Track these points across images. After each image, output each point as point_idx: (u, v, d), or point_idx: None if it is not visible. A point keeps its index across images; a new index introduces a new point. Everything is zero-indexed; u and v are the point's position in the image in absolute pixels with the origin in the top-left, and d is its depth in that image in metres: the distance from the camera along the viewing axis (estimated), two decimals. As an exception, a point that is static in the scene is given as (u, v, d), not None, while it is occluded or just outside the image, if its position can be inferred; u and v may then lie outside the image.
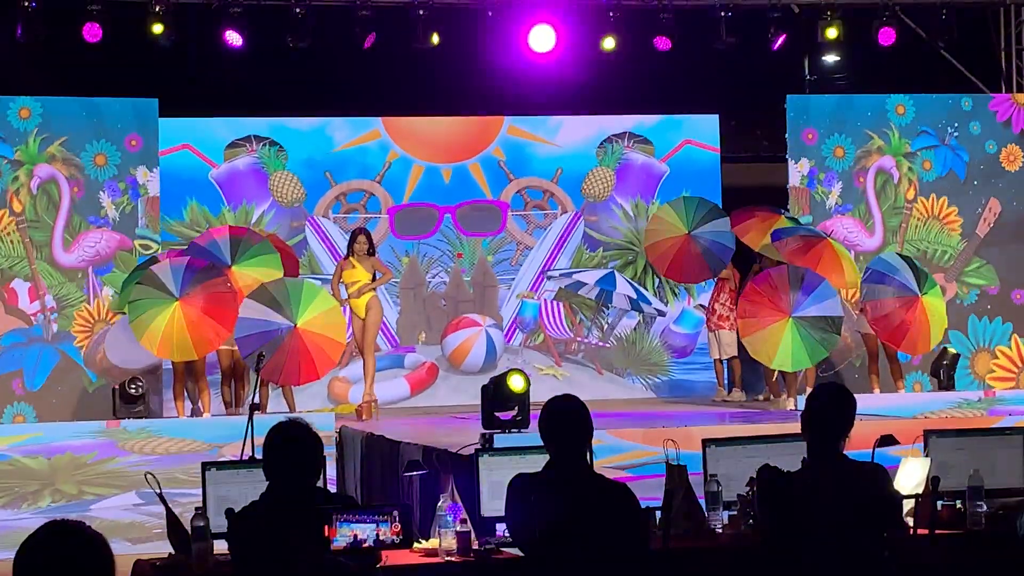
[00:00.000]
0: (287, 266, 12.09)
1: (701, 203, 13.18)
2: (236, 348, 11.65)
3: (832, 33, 13.59)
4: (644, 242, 13.74)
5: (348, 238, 12.45)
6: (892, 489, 5.72)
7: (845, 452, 5.70)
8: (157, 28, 12.59)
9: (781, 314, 11.60)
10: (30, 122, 12.73)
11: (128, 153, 13.01)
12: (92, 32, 12.50)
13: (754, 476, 5.94)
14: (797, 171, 13.90)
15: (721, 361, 13.42)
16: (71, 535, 3.18)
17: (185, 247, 12.59)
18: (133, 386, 11.84)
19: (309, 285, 11.58)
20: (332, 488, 9.32)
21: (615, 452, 9.04)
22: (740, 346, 13.15)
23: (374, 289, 12.20)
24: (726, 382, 13.48)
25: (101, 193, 12.88)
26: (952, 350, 12.80)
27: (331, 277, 12.68)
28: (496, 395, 9.42)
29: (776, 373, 12.37)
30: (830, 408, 5.66)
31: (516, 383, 9.39)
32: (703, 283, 14.85)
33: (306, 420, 5.33)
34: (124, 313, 11.62)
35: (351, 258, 12.20)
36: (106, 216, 12.89)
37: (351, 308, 12.24)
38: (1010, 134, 14.13)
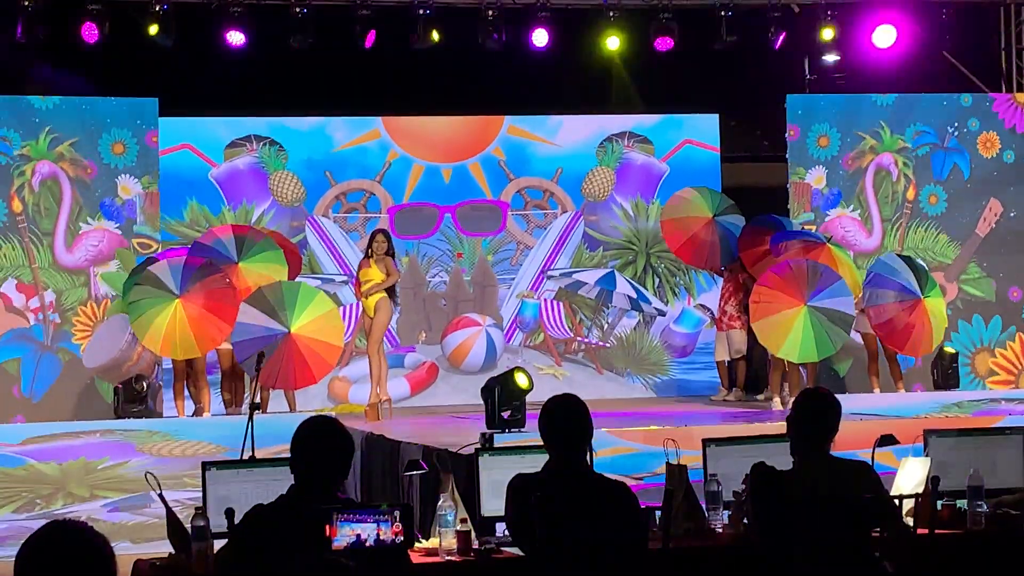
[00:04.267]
0: (290, 264, 12.12)
1: (724, 197, 13.36)
2: (235, 347, 11.72)
3: (828, 35, 13.64)
4: (661, 216, 13.77)
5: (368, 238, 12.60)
6: (881, 487, 5.74)
7: (834, 452, 5.76)
8: (153, 29, 12.58)
9: (796, 301, 11.60)
10: (45, 113, 12.68)
11: (128, 154, 13.00)
12: (90, 33, 12.49)
13: (748, 474, 5.97)
14: (815, 186, 13.88)
15: (726, 362, 13.38)
16: (72, 535, 3.18)
17: (184, 247, 12.62)
18: (138, 385, 11.84)
19: (306, 288, 11.59)
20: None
21: (614, 450, 9.05)
22: (748, 346, 13.18)
23: (383, 289, 12.20)
24: (729, 382, 13.45)
25: (102, 192, 12.88)
26: (950, 349, 12.80)
27: (332, 277, 12.70)
28: (501, 393, 9.46)
29: (781, 375, 12.30)
30: (813, 411, 5.73)
31: (521, 380, 9.53)
32: (704, 284, 14.89)
33: (336, 418, 5.18)
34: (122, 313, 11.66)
35: (370, 258, 12.28)
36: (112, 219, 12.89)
37: (363, 306, 12.32)
38: (1010, 134, 14.12)
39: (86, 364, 12.11)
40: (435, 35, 13.13)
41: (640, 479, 8.34)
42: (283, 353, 11.03)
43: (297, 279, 12.30)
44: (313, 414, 10.83)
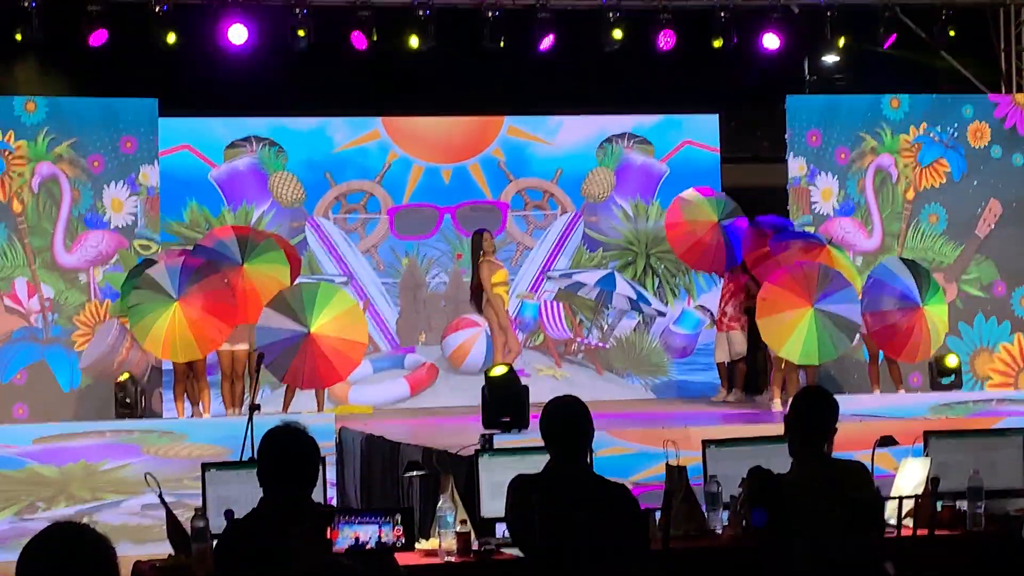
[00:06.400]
0: (290, 265, 12.14)
1: (729, 200, 13.38)
2: (236, 348, 11.75)
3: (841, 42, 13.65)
4: (666, 219, 13.77)
5: (474, 237, 12.91)
6: (872, 486, 5.74)
7: (835, 453, 5.76)
8: (170, 38, 12.57)
9: (804, 302, 11.61)
10: (36, 115, 12.69)
11: (128, 154, 13.00)
12: (97, 37, 12.49)
13: (744, 478, 5.98)
14: (798, 173, 13.87)
15: (726, 364, 13.37)
16: (75, 536, 3.18)
17: (184, 247, 12.64)
18: (128, 389, 11.85)
19: (326, 287, 11.77)
20: (332, 489, 9.34)
21: (615, 450, 9.05)
22: (748, 348, 13.18)
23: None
24: (728, 383, 13.44)
25: (104, 188, 12.86)
26: (952, 361, 12.73)
27: (332, 278, 12.64)
28: (493, 394, 9.48)
29: (781, 376, 12.28)
30: (811, 411, 5.73)
31: (498, 370, 9.70)
32: (704, 285, 14.89)
33: (302, 424, 5.15)
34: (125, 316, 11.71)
35: (489, 258, 12.59)
36: (107, 218, 12.87)
37: (501, 299, 12.76)
38: (1008, 133, 14.12)
39: (80, 365, 12.18)
40: (434, 38, 13.10)
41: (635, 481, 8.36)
42: (306, 353, 11.17)
43: (298, 279, 12.34)
44: (316, 415, 10.83)
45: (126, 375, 11.71)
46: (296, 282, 12.10)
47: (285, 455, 4.97)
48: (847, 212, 13.92)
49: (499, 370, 9.70)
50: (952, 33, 13.68)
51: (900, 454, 7.05)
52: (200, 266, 11.37)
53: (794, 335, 11.61)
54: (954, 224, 14.01)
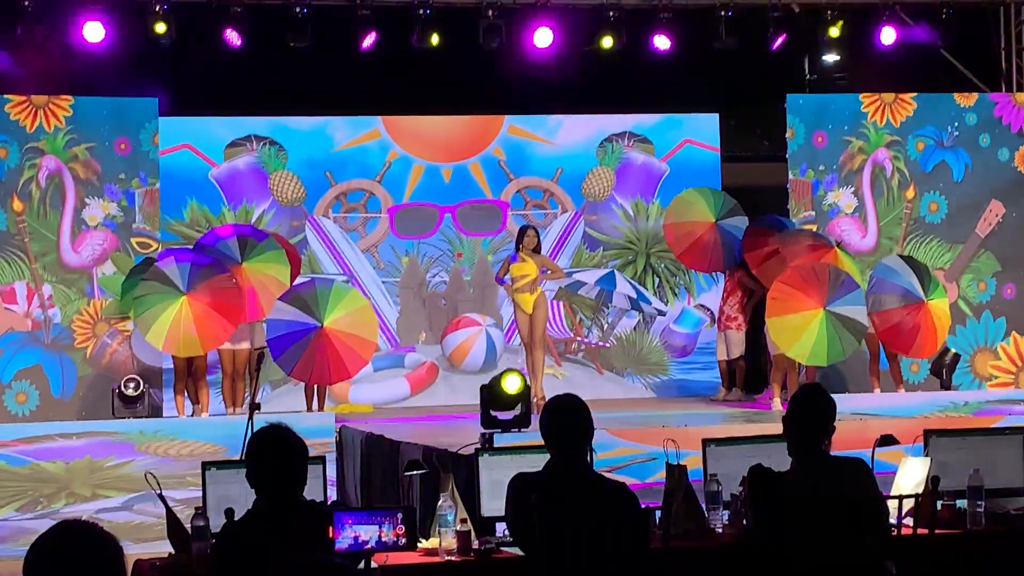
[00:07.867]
0: (291, 264, 12.16)
1: (727, 197, 13.37)
2: (237, 347, 11.75)
3: (834, 32, 13.62)
4: (664, 220, 13.77)
5: (516, 234, 12.86)
6: (873, 485, 5.74)
7: (834, 452, 5.76)
8: (160, 28, 12.57)
9: (816, 303, 11.63)
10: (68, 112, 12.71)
11: (129, 153, 12.99)
12: (93, 32, 12.51)
13: (746, 476, 5.98)
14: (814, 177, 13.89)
15: (727, 363, 13.37)
16: (82, 535, 3.18)
17: (183, 247, 12.63)
18: (131, 385, 11.88)
19: (339, 285, 11.90)
20: (332, 489, 9.34)
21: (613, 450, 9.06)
22: (747, 347, 13.18)
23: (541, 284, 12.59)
24: (728, 382, 13.44)
25: (102, 192, 12.86)
26: (953, 350, 12.79)
27: (332, 277, 12.66)
28: (492, 397, 9.39)
29: (781, 375, 12.28)
30: (808, 409, 5.73)
31: (511, 384, 8.61)
32: (704, 284, 14.90)
33: (287, 424, 5.17)
34: (127, 317, 11.74)
35: (520, 253, 12.55)
36: (110, 219, 12.86)
37: (517, 303, 12.56)
38: (1009, 134, 14.11)
39: (136, 355, 12.23)
40: (435, 38, 13.12)
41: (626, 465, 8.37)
42: (317, 347, 11.20)
43: (298, 279, 12.36)
44: (316, 413, 10.81)
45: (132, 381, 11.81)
46: (306, 279, 12.13)
47: (271, 457, 5.00)
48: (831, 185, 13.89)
49: (513, 383, 8.53)
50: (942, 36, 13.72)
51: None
52: (210, 263, 11.42)
53: (804, 336, 11.63)
54: (955, 220, 13.99)
